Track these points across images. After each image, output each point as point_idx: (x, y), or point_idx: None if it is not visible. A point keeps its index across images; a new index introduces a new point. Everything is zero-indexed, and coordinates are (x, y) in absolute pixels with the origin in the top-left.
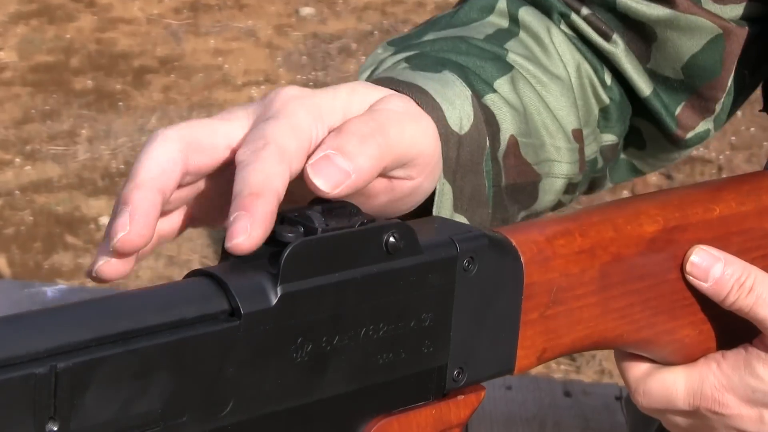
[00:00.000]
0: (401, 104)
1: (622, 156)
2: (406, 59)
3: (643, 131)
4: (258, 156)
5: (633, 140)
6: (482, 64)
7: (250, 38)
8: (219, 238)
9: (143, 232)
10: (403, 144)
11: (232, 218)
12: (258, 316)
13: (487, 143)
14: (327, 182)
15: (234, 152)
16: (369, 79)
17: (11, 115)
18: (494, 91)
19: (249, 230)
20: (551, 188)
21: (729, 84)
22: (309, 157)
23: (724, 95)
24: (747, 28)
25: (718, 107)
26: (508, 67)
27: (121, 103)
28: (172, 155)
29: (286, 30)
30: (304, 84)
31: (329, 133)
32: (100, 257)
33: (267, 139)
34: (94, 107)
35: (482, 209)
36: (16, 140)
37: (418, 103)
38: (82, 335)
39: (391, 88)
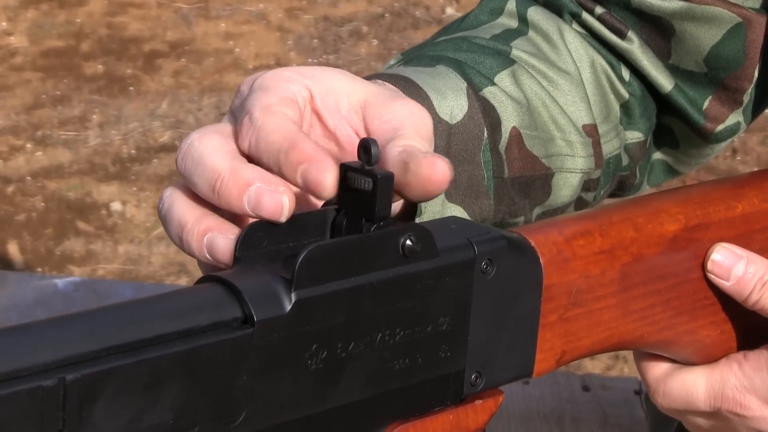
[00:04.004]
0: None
1: (657, 157)
2: (404, 62)
3: (675, 130)
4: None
5: (666, 140)
6: (482, 59)
7: (260, 21)
8: None
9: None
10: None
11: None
12: (272, 323)
13: (485, 134)
14: None
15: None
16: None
17: (22, 101)
18: (494, 84)
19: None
20: (566, 183)
21: (755, 74)
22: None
23: (752, 86)
24: (766, 15)
25: (745, 98)
26: (509, 62)
27: (131, 88)
28: (219, 141)
29: (296, 13)
30: None
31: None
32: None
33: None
34: (105, 92)
35: (482, 200)
36: (27, 126)
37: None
38: (91, 345)
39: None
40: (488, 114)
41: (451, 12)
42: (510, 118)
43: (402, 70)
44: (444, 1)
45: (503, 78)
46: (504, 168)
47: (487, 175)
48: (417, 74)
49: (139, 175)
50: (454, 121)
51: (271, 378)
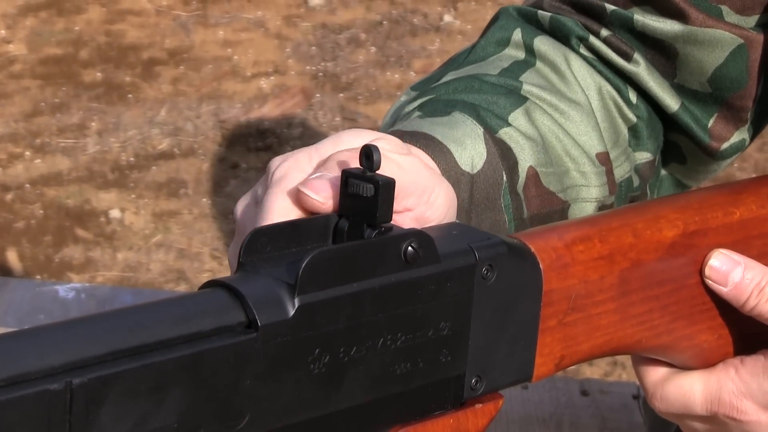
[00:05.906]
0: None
1: (666, 172)
2: (419, 107)
3: (682, 146)
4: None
5: (674, 156)
6: (495, 100)
7: (259, 29)
8: (229, 231)
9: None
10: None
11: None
12: (275, 327)
13: (504, 178)
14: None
15: None
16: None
17: (21, 108)
18: (509, 124)
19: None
20: (582, 212)
21: (758, 92)
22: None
23: (755, 104)
24: (763, 33)
25: (750, 116)
26: (522, 99)
27: (130, 96)
28: None
29: (295, 21)
30: (314, 74)
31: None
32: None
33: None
34: (104, 100)
35: None
36: (26, 133)
37: (425, 152)
38: (98, 349)
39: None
40: (506, 156)
41: (449, 19)
42: (526, 158)
43: (420, 125)
44: (442, 9)
45: (517, 117)
46: (523, 208)
47: (508, 218)
48: (435, 127)
49: (137, 182)
50: (475, 171)
51: (274, 382)
